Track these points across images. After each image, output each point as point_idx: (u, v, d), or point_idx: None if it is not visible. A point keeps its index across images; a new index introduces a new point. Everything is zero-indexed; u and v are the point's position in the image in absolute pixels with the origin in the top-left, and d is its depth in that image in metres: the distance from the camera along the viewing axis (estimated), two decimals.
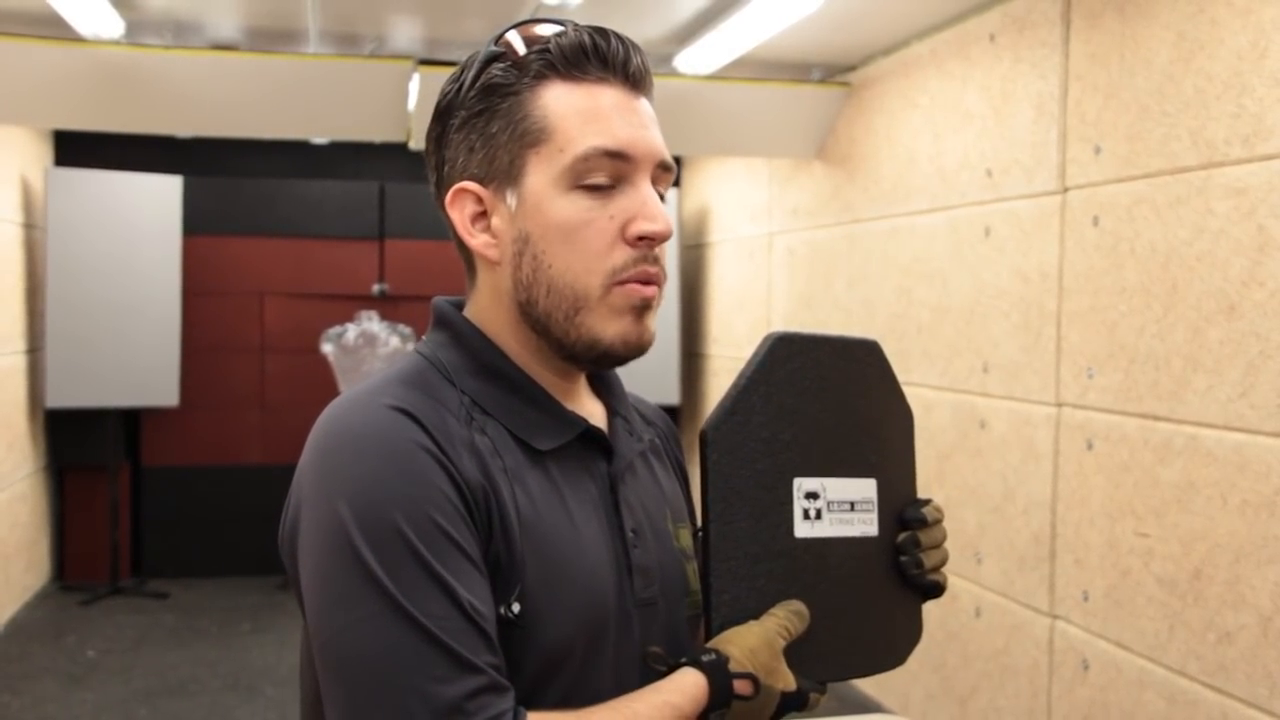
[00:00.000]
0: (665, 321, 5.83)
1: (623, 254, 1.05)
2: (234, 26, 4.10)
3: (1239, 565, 2.58)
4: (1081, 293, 3.10)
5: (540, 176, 1.05)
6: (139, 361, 5.50)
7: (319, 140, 6.10)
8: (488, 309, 1.11)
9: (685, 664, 1.02)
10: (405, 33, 4.11)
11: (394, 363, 1.11)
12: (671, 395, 5.80)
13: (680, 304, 5.91)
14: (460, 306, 1.15)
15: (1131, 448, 2.91)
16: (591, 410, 1.16)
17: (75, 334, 5.34)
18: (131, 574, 5.99)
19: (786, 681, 1.04)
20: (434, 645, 0.92)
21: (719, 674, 1.01)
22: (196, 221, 5.86)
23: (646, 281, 1.06)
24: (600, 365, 1.11)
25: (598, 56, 1.05)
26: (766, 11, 3.68)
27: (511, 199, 1.06)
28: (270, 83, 4.22)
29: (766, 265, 5.33)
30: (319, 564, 0.97)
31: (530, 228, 1.05)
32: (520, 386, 1.09)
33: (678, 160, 6.52)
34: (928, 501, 1.21)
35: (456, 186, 1.08)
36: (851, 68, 4.46)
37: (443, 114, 1.10)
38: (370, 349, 5.45)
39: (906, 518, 1.19)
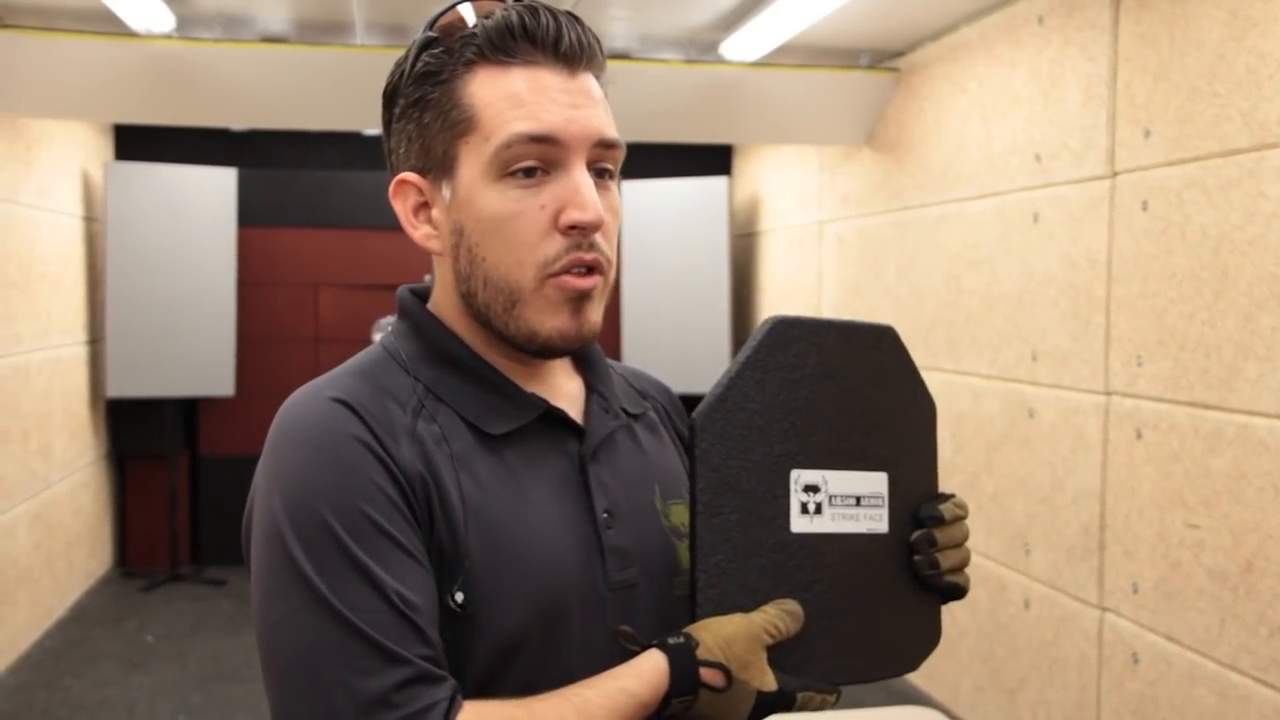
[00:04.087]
0: (716, 311, 5.81)
1: (555, 244, 1.01)
2: (283, 19, 4.13)
3: None
4: (1131, 279, 3.03)
5: (470, 168, 1.02)
6: (196, 352, 5.58)
7: (370, 131, 6.14)
8: (441, 296, 1.10)
9: (653, 646, 0.99)
10: None
11: (359, 353, 1.11)
12: None
13: (731, 293, 5.88)
14: (425, 294, 1.14)
15: (1181, 437, 2.84)
16: (567, 389, 1.13)
17: (134, 325, 5.42)
18: (190, 561, 6.09)
19: (764, 680, 0.99)
20: (358, 638, 0.91)
21: (683, 659, 0.97)
22: (251, 213, 5.93)
23: (585, 270, 1.03)
24: (544, 356, 1.08)
25: (525, 36, 1.02)
26: None
27: (446, 191, 1.04)
28: (320, 75, 4.26)
29: (816, 254, 5.28)
30: (258, 557, 0.98)
31: (464, 220, 1.03)
32: (475, 372, 1.07)
33: (728, 149, 6.50)
34: (948, 497, 1.15)
35: (398, 178, 1.07)
36: (900, 53, 4.41)
37: (387, 101, 1.08)
38: None
39: (922, 515, 1.13)
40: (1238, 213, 2.66)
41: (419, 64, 1.04)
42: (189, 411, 6.10)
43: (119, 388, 5.45)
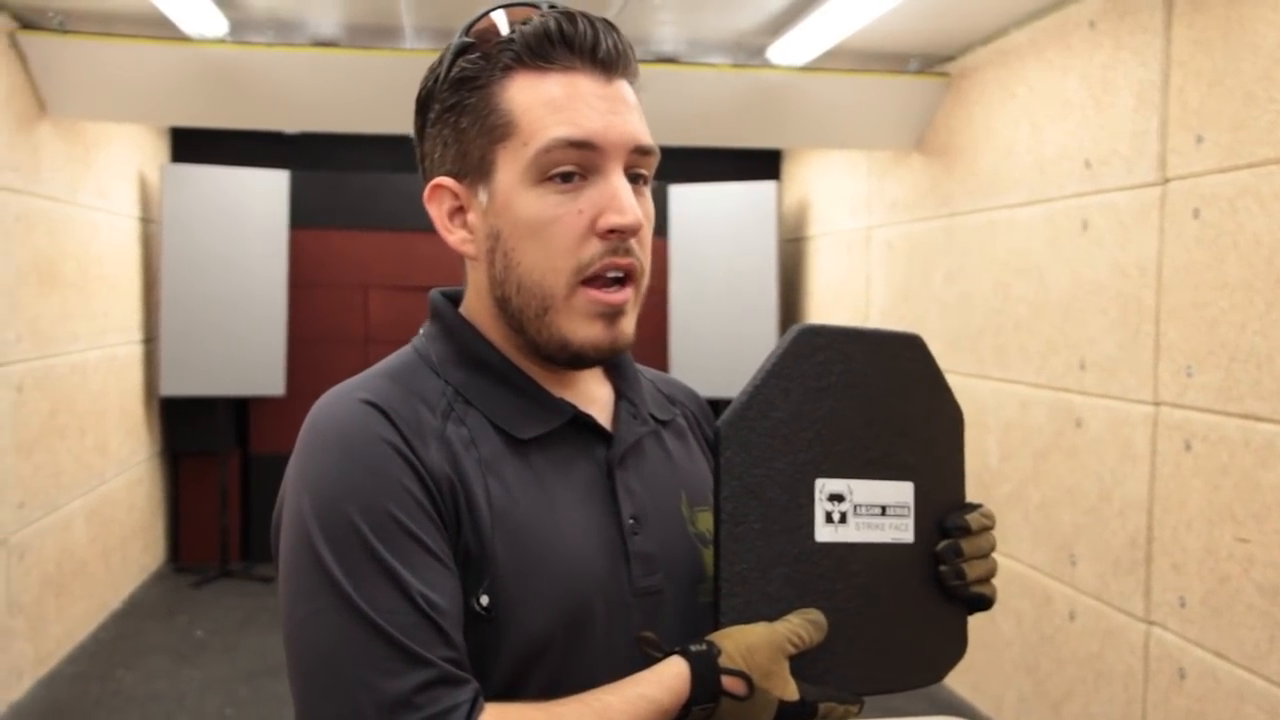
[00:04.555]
0: (764, 315, 5.79)
1: (591, 248, 1.02)
2: (334, 24, 4.18)
3: None
4: (1181, 288, 2.99)
5: (508, 172, 1.02)
6: (247, 352, 5.65)
7: None
8: (474, 301, 1.11)
9: (675, 653, 0.99)
10: None
11: (391, 354, 1.12)
12: None
13: (780, 298, 5.86)
14: (457, 297, 1.14)
15: (1231, 449, 2.79)
16: (595, 394, 1.13)
17: (188, 325, 5.50)
18: (240, 558, 6.17)
19: (786, 690, 0.99)
20: (382, 639, 0.92)
21: (705, 666, 0.97)
22: (302, 215, 5.99)
23: (615, 278, 1.03)
24: (576, 366, 1.08)
25: (564, 42, 1.02)
26: (860, 0, 3.62)
27: (483, 195, 1.05)
28: (370, 78, 4.30)
29: (865, 259, 5.25)
30: (285, 556, 0.99)
31: (500, 225, 1.04)
32: (505, 375, 1.08)
33: (777, 153, 6.48)
34: (975, 507, 1.14)
35: (434, 182, 1.08)
36: (950, 58, 4.37)
37: (422, 106, 1.09)
38: None
39: (948, 524, 1.12)
40: None
41: (455, 69, 1.05)
42: (240, 410, 6.18)
43: (172, 386, 5.53)
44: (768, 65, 4.44)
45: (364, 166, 6.33)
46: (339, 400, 1.03)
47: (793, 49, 4.23)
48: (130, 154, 5.45)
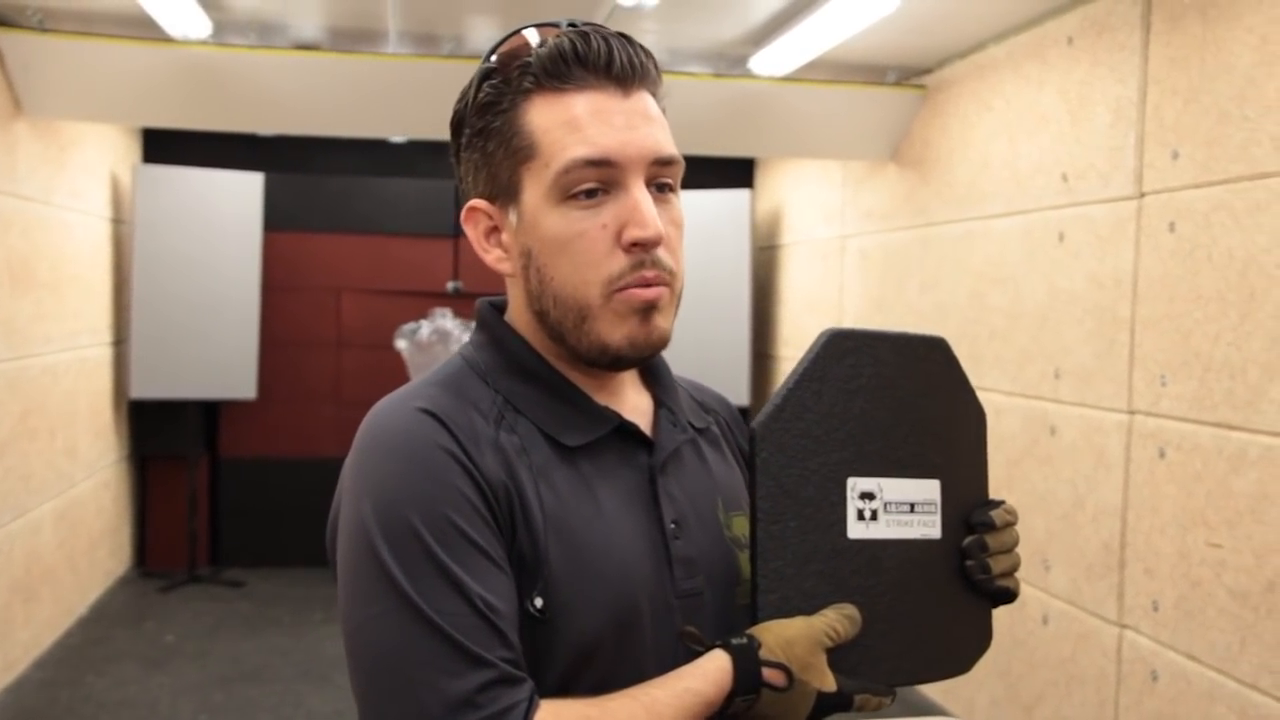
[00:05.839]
0: (736, 322, 5.84)
1: (619, 261, 1.05)
2: (317, 27, 4.18)
3: None
4: (1156, 299, 3.06)
5: (533, 192, 1.06)
6: (219, 355, 5.62)
7: (397, 139, 6.18)
8: (516, 312, 1.15)
9: (717, 646, 1.03)
10: (483, 33, 4.16)
11: (439, 364, 1.15)
12: (741, 396, 5.81)
13: (752, 305, 5.91)
14: (503, 306, 1.18)
15: (1205, 457, 2.86)
16: (636, 403, 1.17)
17: (159, 327, 5.47)
18: (209, 562, 6.12)
19: (824, 681, 1.02)
20: (445, 641, 0.95)
21: (746, 658, 1.01)
22: (277, 218, 5.97)
23: (648, 284, 1.06)
24: (616, 368, 1.11)
25: (579, 61, 1.05)
26: (843, 13, 3.67)
27: (513, 216, 1.09)
28: (351, 82, 4.30)
29: (839, 268, 5.31)
30: (345, 559, 1.02)
31: (531, 243, 1.08)
32: (552, 385, 1.11)
33: (751, 161, 6.54)
34: (999, 503, 1.18)
35: (469, 204, 1.12)
36: (927, 70, 4.44)
37: (455, 131, 1.13)
38: (444, 345, 5.51)
39: (973, 520, 1.16)
40: (1266, 235, 2.68)
41: (481, 94, 1.09)
42: (210, 414, 6.14)
43: (142, 389, 5.49)
44: (748, 75, 4.49)
45: (338, 170, 6.31)
46: (396, 409, 1.06)
47: (774, 60, 4.28)
48: (102, 154, 5.41)
